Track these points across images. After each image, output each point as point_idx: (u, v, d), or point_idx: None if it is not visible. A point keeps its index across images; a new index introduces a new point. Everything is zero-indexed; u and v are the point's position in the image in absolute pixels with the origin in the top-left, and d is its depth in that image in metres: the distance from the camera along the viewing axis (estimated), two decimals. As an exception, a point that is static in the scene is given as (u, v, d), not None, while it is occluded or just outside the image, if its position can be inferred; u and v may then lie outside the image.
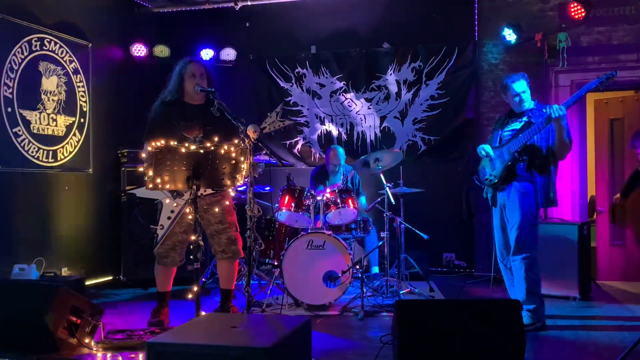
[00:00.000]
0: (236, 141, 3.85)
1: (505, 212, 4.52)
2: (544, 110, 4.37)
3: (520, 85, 4.43)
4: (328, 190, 5.34)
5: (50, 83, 5.86)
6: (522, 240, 4.35)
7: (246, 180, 4.02)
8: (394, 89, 7.14)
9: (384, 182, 5.49)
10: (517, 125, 4.49)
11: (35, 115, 5.69)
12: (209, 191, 4.21)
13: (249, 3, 7.12)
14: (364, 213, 5.89)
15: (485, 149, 4.57)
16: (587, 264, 5.58)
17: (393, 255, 5.71)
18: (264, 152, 4.90)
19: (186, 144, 3.71)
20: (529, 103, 4.47)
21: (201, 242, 3.70)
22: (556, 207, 4.60)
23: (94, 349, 3.74)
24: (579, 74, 6.54)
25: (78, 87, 6.25)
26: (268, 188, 6.23)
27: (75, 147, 6.18)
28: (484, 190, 4.71)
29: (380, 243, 5.55)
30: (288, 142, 7.49)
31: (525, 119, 4.44)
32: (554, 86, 6.58)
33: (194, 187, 3.67)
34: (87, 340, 3.79)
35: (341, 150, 6.36)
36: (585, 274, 5.49)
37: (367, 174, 6.02)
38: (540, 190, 4.36)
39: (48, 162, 5.83)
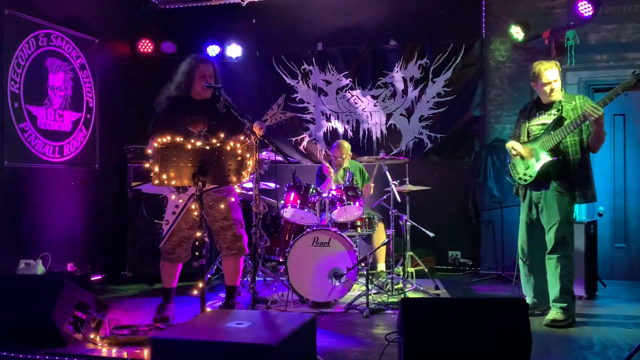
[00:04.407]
0: (242, 138, 3.85)
1: (538, 210, 4.43)
2: (574, 103, 4.29)
3: (553, 74, 4.32)
4: (334, 186, 5.33)
5: (56, 79, 5.87)
6: (561, 239, 4.31)
7: (252, 176, 4.02)
8: (400, 86, 7.12)
9: (390, 180, 5.48)
10: (546, 118, 4.38)
11: (42, 110, 5.70)
12: (213, 186, 4.20)
13: (256, -1, 7.13)
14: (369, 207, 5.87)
15: (515, 147, 4.46)
16: (594, 263, 5.56)
17: (398, 253, 5.70)
18: (270, 148, 4.89)
19: (192, 140, 3.71)
20: (558, 93, 4.36)
21: (206, 239, 3.70)
22: (595, 202, 4.51)
23: (100, 344, 3.74)
24: (586, 72, 6.51)
25: (84, 83, 6.26)
26: (274, 185, 6.23)
27: (81, 142, 6.19)
28: (514, 186, 4.64)
29: (386, 241, 5.54)
30: (294, 138, 7.48)
31: (555, 112, 4.34)
32: (562, 84, 6.53)
33: (200, 183, 3.67)
34: (92, 336, 3.79)
35: (346, 145, 6.34)
36: (592, 274, 5.47)
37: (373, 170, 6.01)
38: (577, 185, 4.29)
39: (54, 157, 5.84)
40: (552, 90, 4.35)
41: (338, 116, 7.35)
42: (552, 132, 4.27)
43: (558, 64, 4.42)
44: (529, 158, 4.41)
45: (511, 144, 4.51)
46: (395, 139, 7.14)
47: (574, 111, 4.25)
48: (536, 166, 4.36)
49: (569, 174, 4.30)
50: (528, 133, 4.50)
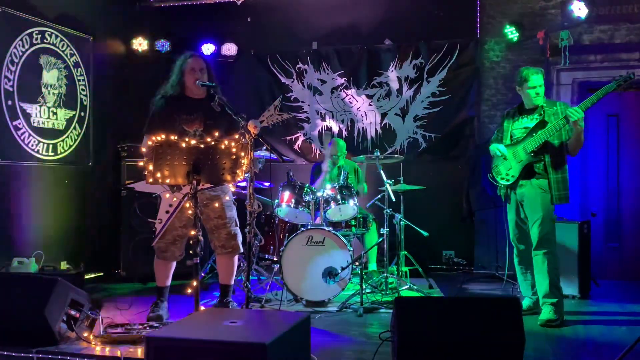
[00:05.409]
0: (237, 136, 3.84)
1: (522, 209, 4.58)
2: (555, 108, 4.44)
3: (539, 79, 4.49)
4: (328, 186, 5.33)
5: (50, 76, 5.85)
6: (544, 235, 4.44)
7: (246, 175, 4.01)
8: (395, 85, 7.12)
9: (384, 179, 5.49)
10: (528, 122, 4.54)
11: (36, 108, 5.68)
12: (207, 185, 4.21)
13: (251, -2, 7.13)
14: (362, 208, 5.87)
15: (500, 148, 4.61)
16: (587, 263, 5.58)
17: (393, 252, 5.71)
18: (265, 147, 4.89)
19: (186, 139, 3.70)
20: (541, 99, 4.51)
21: (200, 237, 3.69)
22: (568, 203, 4.62)
23: (93, 342, 3.73)
24: (580, 72, 6.53)
25: (79, 80, 6.24)
26: (268, 184, 6.23)
27: (75, 140, 6.17)
28: (497, 187, 4.74)
29: (380, 240, 5.54)
30: (288, 137, 7.48)
31: (537, 116, 4.50)
32: (556, 84, 6.56)
33: (194, 182, 3.67)
34: (85, 334, 3.79)
35: (342, 143, 6.33)
36: (585, 273, 5.49)
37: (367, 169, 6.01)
38: (554, 186, 4.42)
39: (48, 155, 5.82)
40: (537, 94, 4.50)
41: (333, 115, 7.34)
42: (534, 135, 4.43)
43: (543, 70, 4.60)
44: (512, 159, 4.56)
45: (496, 147, 4.66)
46: (390, 139, 7.14)
47: (554, 116, 4.41)
48: (518, 167, 4.52)
49: (548, 174, 4.45)
50: (511, 136, 4.65)
